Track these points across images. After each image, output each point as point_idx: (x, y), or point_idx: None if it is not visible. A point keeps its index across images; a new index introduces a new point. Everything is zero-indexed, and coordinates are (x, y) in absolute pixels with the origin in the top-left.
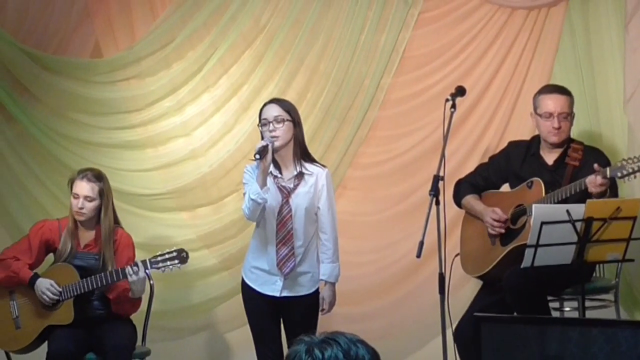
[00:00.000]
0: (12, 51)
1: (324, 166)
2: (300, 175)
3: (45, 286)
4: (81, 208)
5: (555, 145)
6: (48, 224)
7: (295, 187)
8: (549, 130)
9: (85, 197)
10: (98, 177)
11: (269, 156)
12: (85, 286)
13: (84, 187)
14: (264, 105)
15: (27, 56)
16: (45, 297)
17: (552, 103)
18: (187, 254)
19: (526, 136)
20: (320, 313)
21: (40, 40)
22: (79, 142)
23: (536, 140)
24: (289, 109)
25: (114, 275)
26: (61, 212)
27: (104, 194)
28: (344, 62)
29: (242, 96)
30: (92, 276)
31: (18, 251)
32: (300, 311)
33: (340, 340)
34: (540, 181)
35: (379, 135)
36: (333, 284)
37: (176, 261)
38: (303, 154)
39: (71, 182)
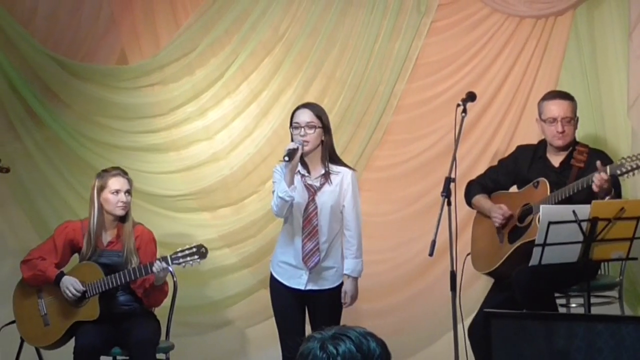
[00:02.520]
0: (41, 58)
1: (350, 167)
2: (326, 175)
3: (70, 283)
4: (125, 202)
5: (561, 149)
6: (71, 224)
7: (322, 185)
8: (553, 135)
9: (127, 191)
10: (125, 172)
11: (297, 157)
12: (111, 283)
13: (123, 182)
14: (297, 108)
15: (56, 63)
16: (68, 292)
17: (556, 108)
18: (206, 249)
19: (534, 140)
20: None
21: (68, 48)
22: (105, 146)
23: (543, 143)
24: (320, 114)
25: (139, 271)
26: (88, 211)
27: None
28: (359, 69)
29: (261, 102)
30: (118, 273)
31: (44, 251)
32: (325, 304)
33: (350, 334)
34: (546, 181)
35: (393, 139)
36: (355, 279)
37: (196, 256)
38: (331, 156)
39: (101, 182)
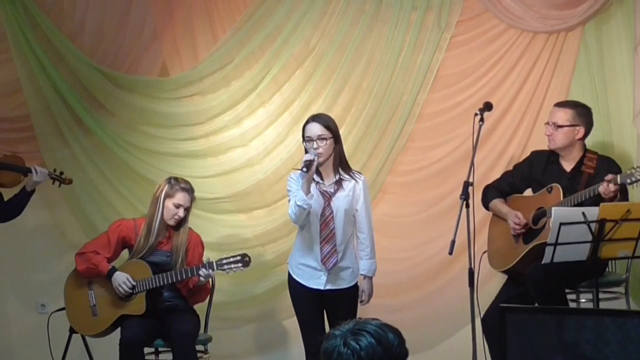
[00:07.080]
0: (88, 71)
1: (360, 174)
2: (339, 181)
3: (122, 279)
4: (181, 217)
5: (564, 153)
6: (125, 222)
7: (336, 191)
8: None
9: (186, 208)
10: (192, 190)
11: (313, 168)
12: (159, 281)
13: (187, 200)
14: (307, 123)
15: (102, 75)
16: (120, 289)
17: (550, 114)
18: (249, 258)
19: (547, 146)
20: (360, 304)
21: (113, 60)
22: (148, 152)
23: None
24: (328, 124)
25: (187, 273)
26: (131, 213)
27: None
28: (384, 80)
29: (293, 111)
30: (166, 273)
31: (98, 246)
32: (342, 302)
33: (369, 328)
34: (559, 187)
35: (415, 145)
36: (371, 278)
37: (240, 264)
38: (342, 163)
39: (170, 191)
